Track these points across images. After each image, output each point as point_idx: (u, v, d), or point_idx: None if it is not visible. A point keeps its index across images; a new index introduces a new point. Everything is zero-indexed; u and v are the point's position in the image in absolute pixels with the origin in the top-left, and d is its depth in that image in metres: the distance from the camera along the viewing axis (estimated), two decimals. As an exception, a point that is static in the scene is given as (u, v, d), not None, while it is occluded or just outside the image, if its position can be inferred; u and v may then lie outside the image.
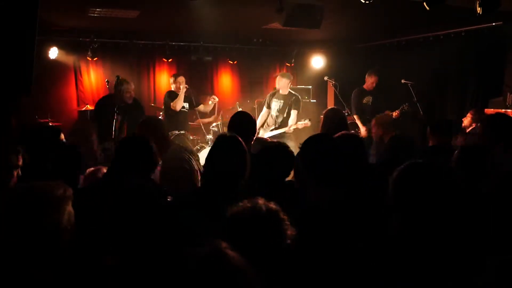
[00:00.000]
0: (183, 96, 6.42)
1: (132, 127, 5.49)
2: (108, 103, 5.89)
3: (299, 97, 6.47)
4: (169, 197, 2.64)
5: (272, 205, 1.64)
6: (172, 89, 6.59)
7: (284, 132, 6.20)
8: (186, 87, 6.46)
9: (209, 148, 2.62)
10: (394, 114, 6.39)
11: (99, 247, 1.84)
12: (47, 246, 1.48)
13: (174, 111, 6.32)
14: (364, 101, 6.90)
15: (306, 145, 2.31)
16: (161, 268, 1.67)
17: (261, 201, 1.64)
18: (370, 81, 6.88)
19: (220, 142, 2.38)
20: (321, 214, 1.99)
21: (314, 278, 1.71)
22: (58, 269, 1.47)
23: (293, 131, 6.23)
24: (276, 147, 2.86)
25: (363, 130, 6.53)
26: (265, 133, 6.30)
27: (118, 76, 5.69)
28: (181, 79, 6.65)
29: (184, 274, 1.12)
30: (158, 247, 1.84)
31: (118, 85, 5.70)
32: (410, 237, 1.64)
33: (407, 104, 6.40)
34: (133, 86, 5.80)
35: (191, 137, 6.73)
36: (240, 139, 2.38)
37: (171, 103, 6.31)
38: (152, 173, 2.76)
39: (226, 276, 1.11)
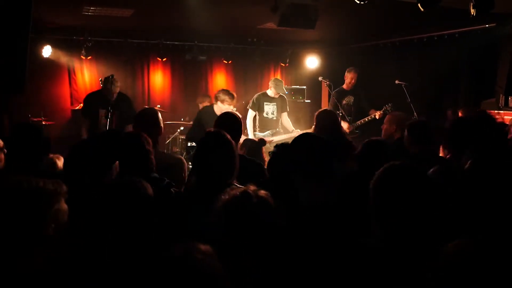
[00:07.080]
0: None
1: (120, 119, 5.46)
2: (95, 98, 5.85)
3: (285, 97, 6.54)
4: (173, 188, 2.61)
5: (263, 192, 1.63)
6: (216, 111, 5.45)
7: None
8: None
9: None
10: (377, 114, 6.20)
11: (89, 242, 1.82)
12: (27, 240, 1.49)
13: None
14: (344, 101, 6.69)
15: (295, 143, 2.37)
16: (139, 266, 1.68)
17: (252, 187, 1.64)
18: (348, 78, 6.63)
19: (205, 138, 2.40)
20: (313, 212, 2.00)
21: (308, 274, 1.71)
22: (40, 263, 1.47)
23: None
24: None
25: (345, 126, 6.23)
26: (271, 138, 6.24)
27: (112, 75, 5.65)
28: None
29: (152, 275, 1.13)
30: (148, 244, 1.83)
31: (105, 83, 5.65)
32: (391, 244, 1.59)
33: (390, 104, 6.17)
34: (118, 84, 5.60)
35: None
36: (225, 133, 2.40)
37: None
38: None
39: (190, 280, 1.12)
